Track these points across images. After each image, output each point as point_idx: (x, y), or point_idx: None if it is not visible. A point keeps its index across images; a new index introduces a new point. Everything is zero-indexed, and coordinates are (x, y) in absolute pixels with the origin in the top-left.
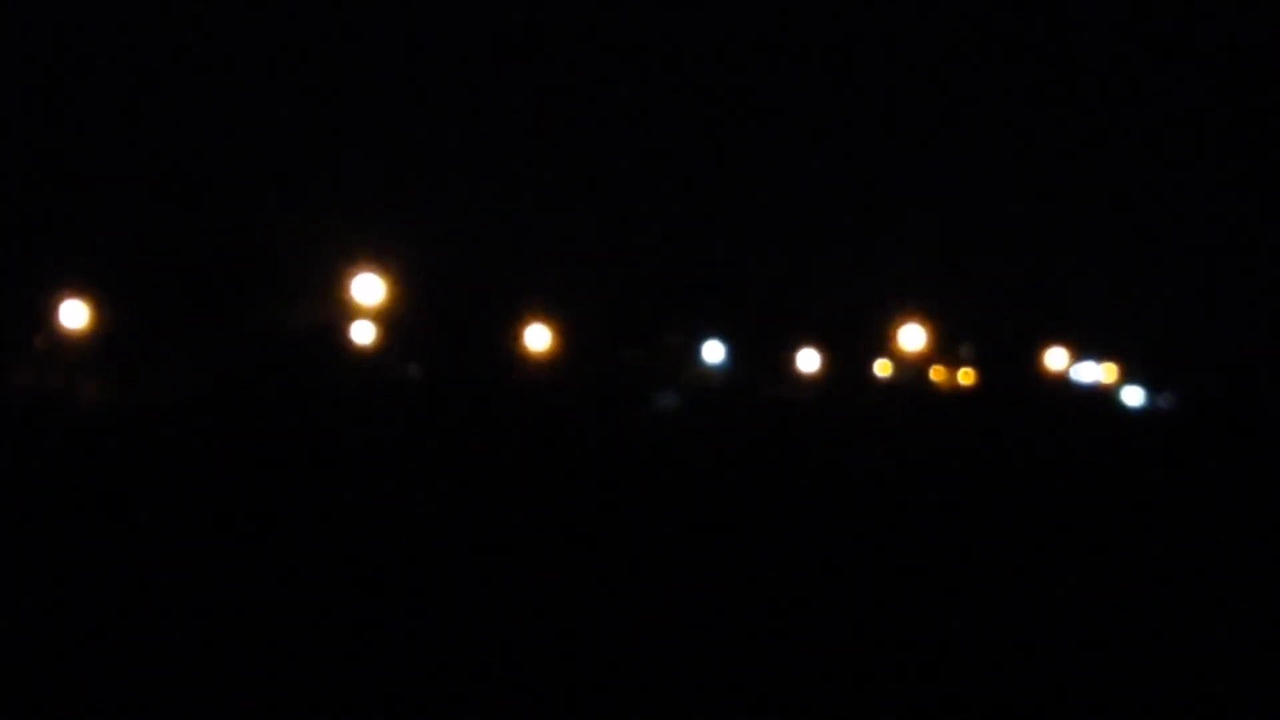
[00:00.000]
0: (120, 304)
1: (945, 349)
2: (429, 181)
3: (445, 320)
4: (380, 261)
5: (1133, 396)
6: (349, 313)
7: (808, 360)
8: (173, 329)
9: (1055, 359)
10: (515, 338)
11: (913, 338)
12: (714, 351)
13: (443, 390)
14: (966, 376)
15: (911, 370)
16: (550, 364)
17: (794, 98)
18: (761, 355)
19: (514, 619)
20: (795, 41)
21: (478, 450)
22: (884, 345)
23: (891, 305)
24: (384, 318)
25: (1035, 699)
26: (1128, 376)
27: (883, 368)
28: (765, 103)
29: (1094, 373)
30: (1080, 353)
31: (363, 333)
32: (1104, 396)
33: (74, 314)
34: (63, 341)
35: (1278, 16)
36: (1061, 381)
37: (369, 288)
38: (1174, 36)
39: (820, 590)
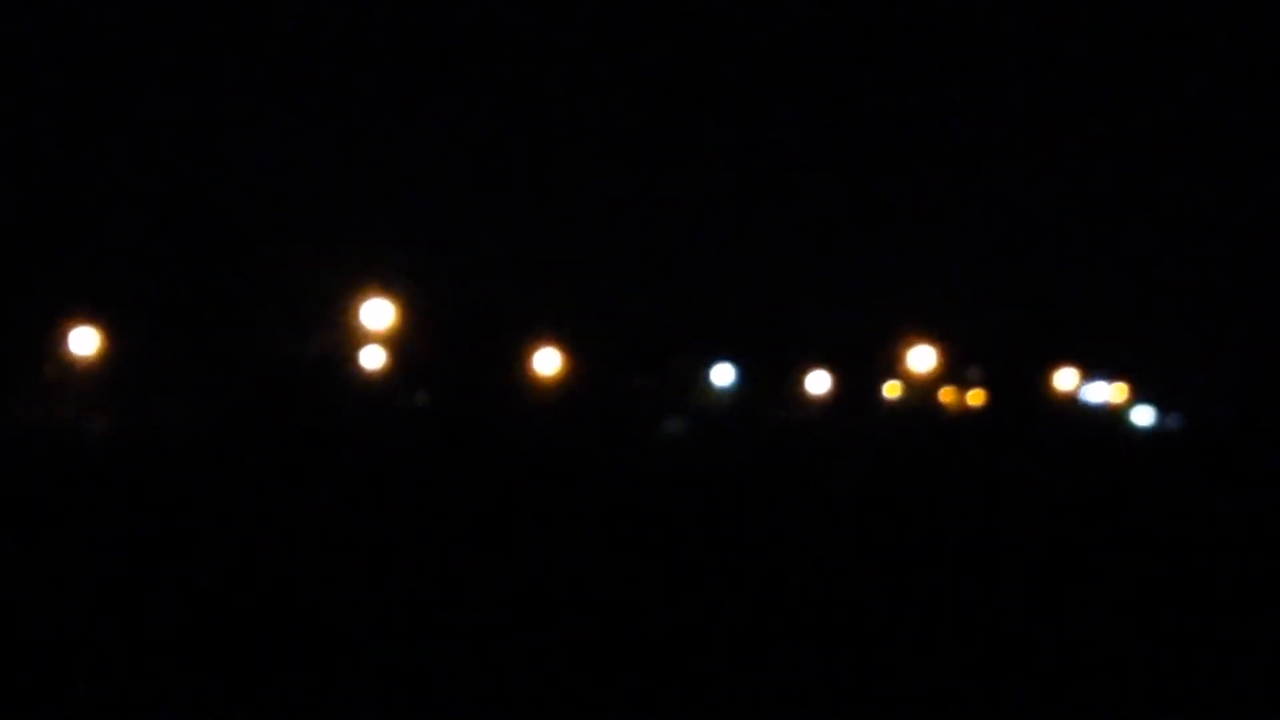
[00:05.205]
0: (130, 331)
1: (954, 371)
2: (438, 208)
3: (454, 345)
4: (389, 287)
5: (1142, 416)
6: (358, 338)
7: (817, 382)
8: (182, 355)
9: (1065, 379)
10: (524, 363)
11: (922, 360)
12: (723, 374)
13: (451, 414)
14: (976, 398)
15: (921, 392)
16: (559, 389)
17: (803, 121)
18: (770, 378)
19: (522, 641)
20: (805, 66)
21: (486, 474)
22: (893, 367)
23: (900, 327)
24: (393, 343)
25: (1045, 715)
26: (1137, 396)
27: (892, 390)
28: (773, 128)
29: (1103, 393)
30: (1090, 373)
31: (372, 358)
32: (1113, 417)
33: (83, 341)
34: (72, 370)
35: None
36: (1071, 402)
37: (378, 313)
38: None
39: (832, 610)
